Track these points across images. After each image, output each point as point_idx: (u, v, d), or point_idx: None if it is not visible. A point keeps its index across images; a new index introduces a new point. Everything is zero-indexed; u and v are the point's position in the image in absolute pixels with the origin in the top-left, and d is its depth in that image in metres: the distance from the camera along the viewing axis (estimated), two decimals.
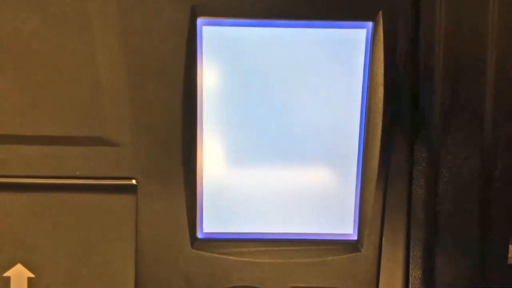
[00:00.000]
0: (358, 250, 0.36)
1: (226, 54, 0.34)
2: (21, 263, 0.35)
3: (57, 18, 0.33)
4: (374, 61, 0.33)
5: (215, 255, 0.36)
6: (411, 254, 0.37)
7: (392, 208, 0.36)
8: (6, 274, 0.35)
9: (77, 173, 0.34)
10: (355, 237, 0.36)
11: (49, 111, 0.34)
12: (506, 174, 0.36)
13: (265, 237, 0.36)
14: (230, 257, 0.36)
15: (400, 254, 0.37)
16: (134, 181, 0.34)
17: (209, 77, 0.34)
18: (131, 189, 0.34)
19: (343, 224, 0.36)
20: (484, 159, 0.36)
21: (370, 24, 0.33)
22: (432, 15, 0.34)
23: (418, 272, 0.37)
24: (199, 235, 0.36)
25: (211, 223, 0.36)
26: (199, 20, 0.33)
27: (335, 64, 0.34)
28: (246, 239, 0.36)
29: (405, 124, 0.35)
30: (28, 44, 0.33)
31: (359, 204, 0.36)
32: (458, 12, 0.35)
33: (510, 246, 0.38)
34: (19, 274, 0.35)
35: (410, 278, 0.37)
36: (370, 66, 0.34)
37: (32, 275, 0.35)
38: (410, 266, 0.37)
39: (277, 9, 0.33)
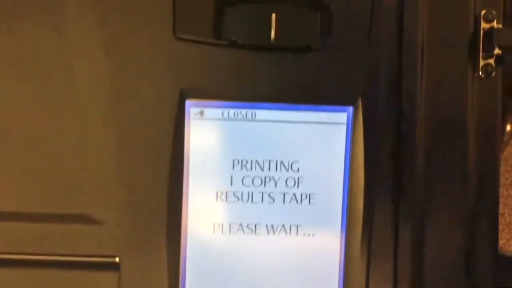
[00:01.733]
0: None
1: (212, 133, 0.35)
2: None
3: (46, 92, 0.34)
4: (355, 144, 0.35)
5: None
6: None
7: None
8: None
9: (61, 250, 0.34)
10: None
11: (35, 188, 0.34)
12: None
13: None
14: None
15: None
16: (117, 259, 0.34)
17: (196, 156, 0.35)
18: (114, 266, 0.34)
19: None
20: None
21: (350, 108, 0.34)
22: (413, 97, 0.36)
23: None
24: None
25: None
26: (187, 102, 0.34)
27: (318, 145, 0.35)
28: None
29: (388, 202, 0.36)
30: (14, 120, 0.34)
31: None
32: (438, 94, 0.37)
33: None
34: None
35: None
36: (351, 148, 0.35)
37: None
38: None
39: (262, 93, 0.34)
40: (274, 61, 0.34)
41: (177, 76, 0.34)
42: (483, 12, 0.39)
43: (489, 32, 0.38)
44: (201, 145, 0.35)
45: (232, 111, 0.35)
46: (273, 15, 0.34)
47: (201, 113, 0.35)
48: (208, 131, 0.35)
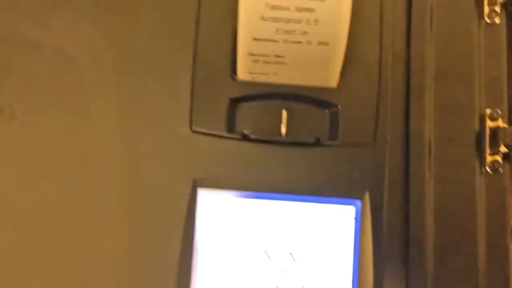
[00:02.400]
0: None
1: (222, 220, 0.36)
2: None
3: (63, 178, 0.36)
4: (363, 238, 0.35)
5: None
6: None
7: None
8: None
9: None
10: None
11: (47, 271, 0.35)
12: None
13: None
14: None
15: None
16: None
17: (205, 240, 0.36)
18: None
19: None
20: None
21: (358, 202, 0.35)
22: (420, 192, 0.37)
23: None
24: None
25: None
26: (199, 191, 0.36)
27: (326, 238, 0.35)
28: None
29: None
30: (29, 205, 0.35)
31: None
32: (446, 189, 0.37)
33: None
34: None
35: None
36: (359, 242, 0.35)
37: None
38: None
39: (271, 185, 0.35)
40: (284, 154, 0.36)
41: (191, 166, 0.36)
42: (488, 111, 0.40)
43: (495, 130, 0.40)
44: (211, 232, 0.36)
45: (242, 199, 0.36)
46: (284, 112, 0.36)
47: (212, 202, 0.36)
48: (217, 219, 0.36)
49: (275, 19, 0.34)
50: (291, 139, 0.36)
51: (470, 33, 0.42)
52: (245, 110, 0.36)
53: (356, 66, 0.37)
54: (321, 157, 0.36)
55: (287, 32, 0.34)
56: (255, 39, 0.34)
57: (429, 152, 0.39)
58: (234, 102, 0.36)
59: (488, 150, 0.39)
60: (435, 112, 0.40)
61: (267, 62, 0.35)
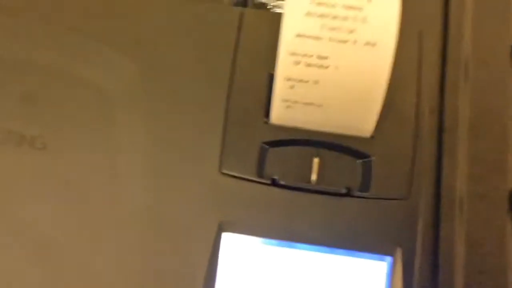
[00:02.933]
0: None
1: (246, 266, 0.34)
2: None
3: (87, 215, 0.35)
4: None
5: None
6: None
7: None
8: None
9: None
10: None
11: None
12: None
13: None
14: None
15: None
16: None
17: (227, 286, 0.35)
18: None
19: None
20: None
21: (389, 258, 0.34)
22: (451, 251, 0.36)
23: None
24: None
25: None
26: (224, 235, 0.35)
27: None
28: None
29: None
30: (50, 238, 0.35)
31: None
32: (476, 249, 0.36)
33: None
34: None
35: None
36: None
37: None
38: None
39: (299, 234, 0.34)
40: (313, 203, 0.35)
41: (217, 209, 0.35)
42: None
43: None
44: (233, 277, 0.34)
45: (267, 246, 0.34)
46: (315, 159, 0.35)
47: (236, 247, 0.34)
48: (241, 265, 0.34)
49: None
50: (321, 187, 0.35)
51: (505, 87, 0.42)
52: (276, 155, 0.35)
53: (392, 117, 0.36)
54: (352, 209, 0.35)
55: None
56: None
57: (461, 208, 0.38)
58: (266, 147, 0.35)
59: None
60: (467, 167, 0.39)
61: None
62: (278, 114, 0.35)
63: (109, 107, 0.36)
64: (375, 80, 0.33)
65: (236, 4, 0.43)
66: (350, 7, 0.32)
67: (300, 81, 0.33)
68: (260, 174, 0.35)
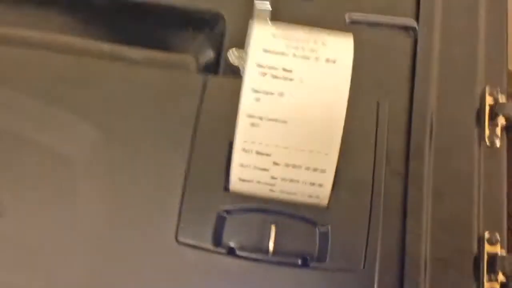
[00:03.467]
0: None
1: None
2: None
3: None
4: None
5: None
6: None
7: None
8: None
9: None
10: None
11: None
12: None
13: None
14: None
15: None
16: None
17: None
18: None
19: None
20: None
21: None
22: None
23: None
24: None
25: None
26: None
27: None
28: None
29: None
30: None
31: None
32: None
33: None
34: None
35: None
36: None
37: None
38: None
39: None
40: (270, 272, 0.35)
41: (175, 278, 0.35)
42: (487, 234, 0.39)
43: (493, 257, 0.38)
44: None
45: None
46: (273, 227, 0.36)
47: None
48: None
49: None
50: (277, 258, 0.35)
51: (471, 154, 0.42)
52: (233, 224, 0.36)
53: (348, 185, 0.36)
54: (309, 279, 0.35)
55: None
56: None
57: (425, 275, 0.38)
58: (223, 215, 0.36)
59: (485, 277, 0.38)
60: (431, 232, 0.39)
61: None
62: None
63: (69, 174, 0.37)
64: (337, 96, 0.34)
65: (206, 68, 0.44)
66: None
67: (266, 93, 0.34)
68: (217, 242, 0.35)
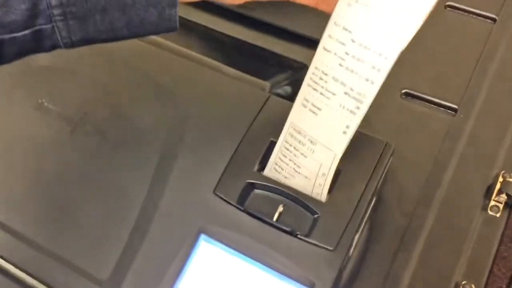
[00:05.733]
0: None
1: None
2: None
3: None
4: None
5: None
6: None
7: None
8: None
9: None
10: None
11: None
12: None
13: None
14: None
15: None
16: None
17: None
18: None
19: None
20: None
21: None
22: None
23: None
24: None
25: None
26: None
27: None
28: None
29: None
30: None
31: None
32: None
33: None
34: None
35: None
36: None
37: None
38: None
39: None
40: (269, 233, 0.48)
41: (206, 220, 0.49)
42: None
43: None
44: None
45: None
46: (280, 206, 0.49)
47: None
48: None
49: None
50: (278, 225, 0.48)
51: (472, 217, 0.54)
52: (256, 195, 0.50)
53: (342, 191, 0.49)
54: (294, 245, 0.47)
55: None
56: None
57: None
58: (250, 186, 0.50)
59: None
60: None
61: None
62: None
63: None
64: None
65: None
66: None
67: None
68: (240, 203, 0.49)
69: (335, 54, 0.44)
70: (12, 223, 0.53)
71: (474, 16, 0.69)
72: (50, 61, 0.60)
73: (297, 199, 0.49)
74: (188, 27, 0.67)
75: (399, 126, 0.60)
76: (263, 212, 0.49)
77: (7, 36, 0.37)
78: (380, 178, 0.50)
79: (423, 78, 0.64)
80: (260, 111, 0.54)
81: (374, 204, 0.52)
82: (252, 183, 0.50)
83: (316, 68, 0.46)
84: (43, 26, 0.37)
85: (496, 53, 0.64)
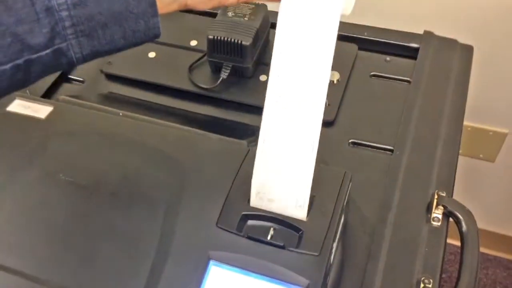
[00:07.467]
0: None
1: None
2: None
3: None
4: None
5: None
6: None
7: None
8: None
9: None
10: None
11: None
12: None
13: None
14: None
15: None
16: None
17: None
18: None
19: None
20: None
21: None
22: None
23: None
24: None
25: None
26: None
27: None
28: None
29: None
30: None
31: None
32: None
33: None
34: None
35: None
36: None
37: None
38: None
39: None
40: (266, 249, 0.60)
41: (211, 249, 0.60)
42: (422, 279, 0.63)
43: None
44: None
45: None
46: (271, 229, 0.61)
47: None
48: None
49: None
50: (271, 241, 0.60)
51: (419, 229, 0.68)
52: (251, 223, 0.62)
53: (318, 212, 0.62)
54: (285, 256, 0.59)
55: None
56: None
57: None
58: (244, 217, 0.62)
59: None
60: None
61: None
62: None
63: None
64: None
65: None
66: None
67: None
68: (239, 230, 0.61)
69: None
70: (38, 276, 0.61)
71: (393, 80, 0.89)
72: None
73: (283, 221, 0.62)
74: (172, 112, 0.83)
75: (351, 167, 0.75)
76: (258, 235, 0.61)
77: (34, 56, 0.45)
78: (345, 197, 0.64)
79: (364, 130, 0.82)
80: (243, 160, 0.68)
81: (342, 229, 0.65)
82: (246, 214, 0.63)
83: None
84: (60, 45, 0.45)
85: (415, 105, 0.83)
